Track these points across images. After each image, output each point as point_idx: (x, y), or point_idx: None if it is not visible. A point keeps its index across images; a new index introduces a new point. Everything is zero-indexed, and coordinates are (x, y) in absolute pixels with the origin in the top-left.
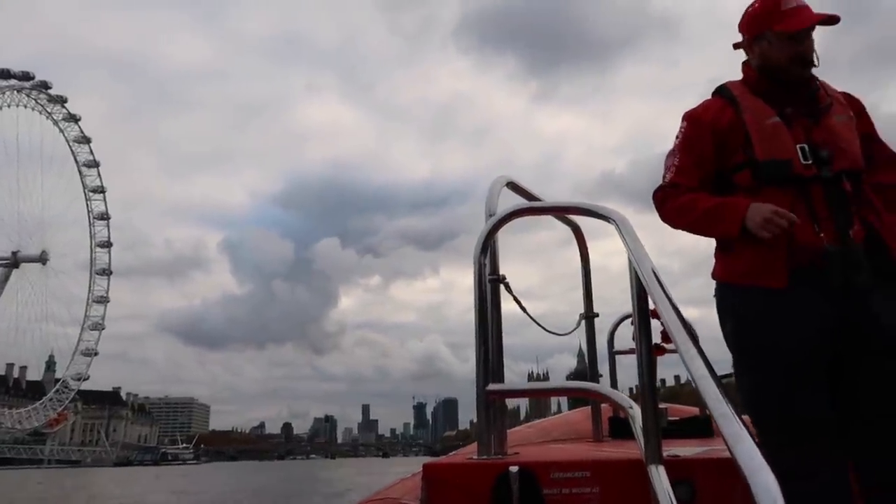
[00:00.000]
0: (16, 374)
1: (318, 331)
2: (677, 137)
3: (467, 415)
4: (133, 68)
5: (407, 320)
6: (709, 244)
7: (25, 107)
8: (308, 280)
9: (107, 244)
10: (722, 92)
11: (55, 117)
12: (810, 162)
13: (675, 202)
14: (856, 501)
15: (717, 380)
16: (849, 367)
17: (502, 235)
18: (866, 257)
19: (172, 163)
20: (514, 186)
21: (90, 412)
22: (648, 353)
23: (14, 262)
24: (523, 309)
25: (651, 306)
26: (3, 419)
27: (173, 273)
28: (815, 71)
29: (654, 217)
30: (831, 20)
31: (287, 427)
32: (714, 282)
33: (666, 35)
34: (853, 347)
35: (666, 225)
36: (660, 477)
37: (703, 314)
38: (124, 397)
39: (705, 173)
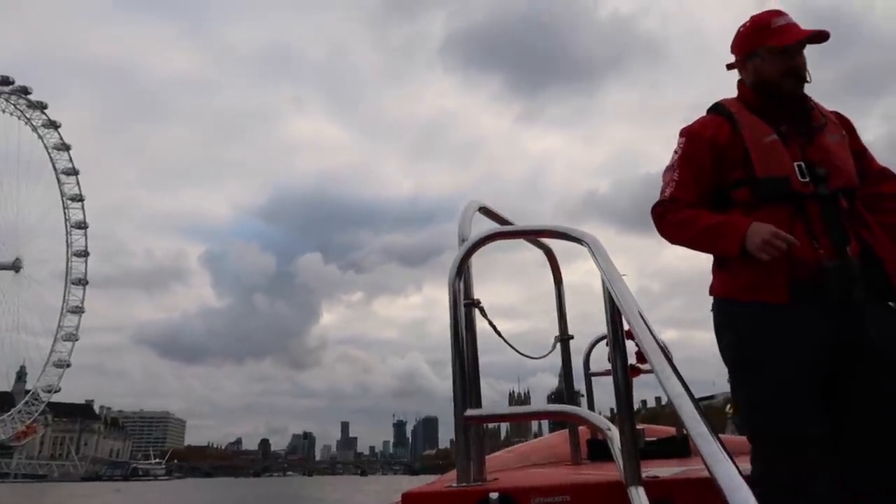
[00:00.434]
0: None
1: (298, 346)
2: (676, 153)
3: (447, 433)
4: (119, 78)
5: (389, 337)
6: (689, 266)
7: (3, 112)
8: (289, 295)
9: (83, 253)
10: (718, 109)
11: (34, 123)
12: (807, 179)
13: (675, 217)
14: None
15: (694, 399)
16: (842, 383)
17: (482, 254)
18: (862, 272)
19: (156, 173)
20: (486, 211)
21: (61, 425)
22: (624, 374)
23: None
24: (498, 333)
25: (626, 327)
26: None
27: (152, 285)
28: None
29: (636, 238)
30: (821, 36)
31: (264, 443)
32: (711, 298)
33: (650, 58)
34: (848, 363)
35: (664, 240)
36: (640, 498)
37: (683, 336)
38: (97, 410)
39: (704, 188)
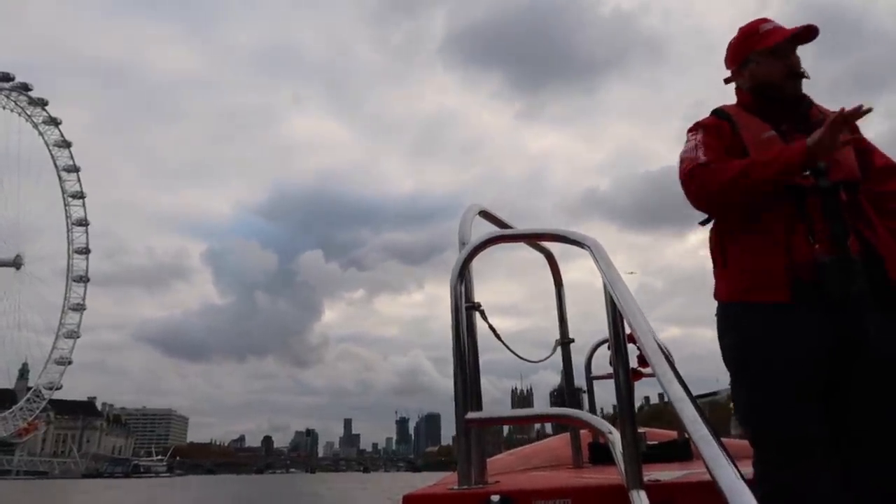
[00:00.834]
0: None
1: (300, 344)
2: (693, 139)
3: (450, 430)
4: (120, 77)
5: (390, 334)
6: (692, 264)
7: (4, 108)
8: (291, 292)
9: (85, 251)
10: (718, 113)
11: (35, 120)
12: (807, 173)
13: (722, 167)
14: None
15: (695, 402)
16: (843, 383)
17: (483, 252)
18: (862, 267)
19: (157, 172)
20: (486, 215)
21: (63, 422)
22: (626, 377)
23: None
24: (498, 337)
25: (627, 330)
26: None
27: (154, 283)
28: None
29: (637, 236)
30: (809, 31)
31: (267, 440)
32: (716, 302)
33: (651, 57)
34: (847, 363)
35: (664, 237)
36: (641, 502)
37: (686, 333)
38: (100, 408)
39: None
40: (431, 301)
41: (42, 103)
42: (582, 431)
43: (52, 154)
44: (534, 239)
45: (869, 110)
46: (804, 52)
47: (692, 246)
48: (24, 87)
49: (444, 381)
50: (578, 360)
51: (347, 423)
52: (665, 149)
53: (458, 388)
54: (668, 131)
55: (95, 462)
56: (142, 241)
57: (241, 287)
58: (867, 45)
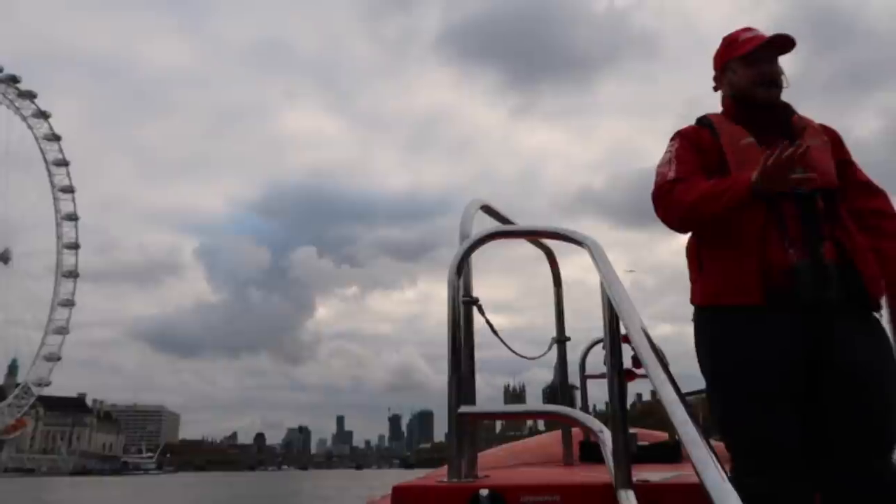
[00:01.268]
0: None
1: (293, 340)
2: (669, 151)
3: (442, 427)
4: (112, 71)
5: (384, 331)
6: (684, 262)
7: None
8: (284, 289)
9: (74, 246)
10: (701, 120)
11: (24, 113)
12: None
13: (685, 186)
14: None
15: (687, 405)
16: (817, 391)
17: (481, 249)
18: (837, 274)
19: (149, 167)
20: (488, 209)
21: (52, 419)
22: (619, 377)
23: None
24: (495, 332)
25: (623, 331)
26: None
27: (146, 279)
28: (792, 101)
29: (630, 233)
30: (781, 40)
31: (259, 437)
32: (693, 307)
33: (645, 52)
34: (821, 370)
35: (657, 235)
36: (629, 502)
37: (677, 330)
38: (90, 404)
39: (701, 175)
40: (425, 298)
41: (31, 96)
42: (573, 429)
43: (41, 148)
44: (533, 236)
45: (807, 149)
46: (797, 57)
47: (684, 243)
48: (13, 80)
49: (438, 378)
50: (573, 359)
51: (340, 420)
52: (658, 146)
53: (451, 383)
54: (662, 127)
55: (84, 459)
56: (134, 237)
57: (234, 283)
58: (860, 44)
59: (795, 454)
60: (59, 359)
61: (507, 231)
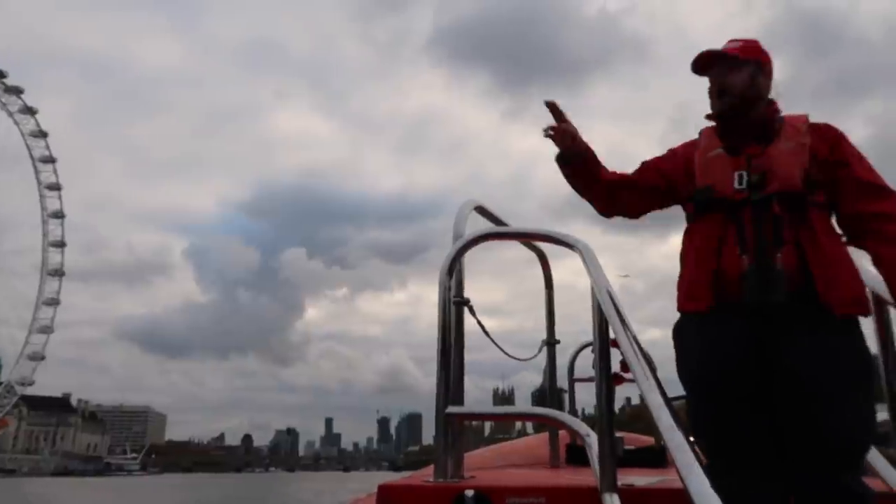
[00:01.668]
0: None
1: (282, 342)
2: None
3: (431, 430)
4: (103, 70)
5: (373, 333)
6: (673, 266)
7: None
8: (273, 290)
9: (60, 244)
10: (701, 132)
11: (10, 109)
12: (743, 186)
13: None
14: None
15: (673, 410)
16: (772, 394)
17: (472, 252)
18: (786, 280)
19: (139, 166)
20: (482, 210)
21: (36, 418)
22: (607, 381)
23: None
24: (486, 333)
25: (612, 335)
26: None
27: (135, 279)
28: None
29: (620, 238)
30: (700, 58)
31: (247, 439)
32: None
33: (636, 57)
34: (771, 374)
35: (648, 240)
36: None
37: (666, 335)
38: (75, 404)
39: (648, 174)
40: (415, 300)
41: (17, 91)
42: (560, 432)
43: (27, 144)
44: (525, 238)
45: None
46: (786, 63)
47: (673, 249)
48: None
49: (427, 381)
50: (562, 362)
51: (329, 423)
52: (649, 150)
53: (440, 383)
54: (653, 131)
55: (66, 460)
56: (123, 236)
57: (224, 284)
58: (850, 51)
59: (760, 454)
60: (43, 358)
61: (500, 232)
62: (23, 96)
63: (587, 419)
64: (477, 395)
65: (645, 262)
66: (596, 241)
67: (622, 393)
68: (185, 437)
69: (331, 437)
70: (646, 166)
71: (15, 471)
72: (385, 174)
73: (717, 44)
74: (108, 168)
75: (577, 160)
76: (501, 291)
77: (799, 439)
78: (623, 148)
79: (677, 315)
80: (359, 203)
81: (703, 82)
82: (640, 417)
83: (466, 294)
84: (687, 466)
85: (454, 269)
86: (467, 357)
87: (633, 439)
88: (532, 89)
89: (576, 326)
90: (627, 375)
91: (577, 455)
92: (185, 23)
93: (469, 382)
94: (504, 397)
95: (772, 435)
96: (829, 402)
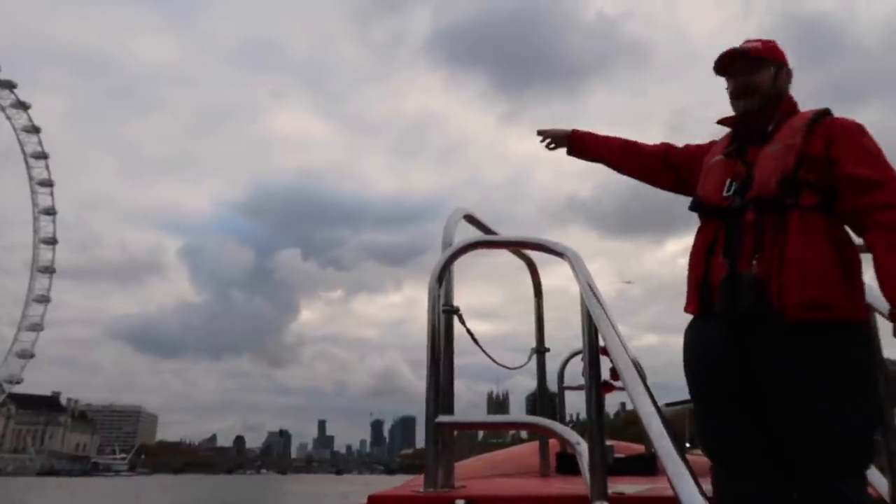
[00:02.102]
0: None
1: (276, 343)
2: None
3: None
4: (98, 67)
5: (368, 335)
6: (670, 272)
7: None
8: (268, 291)
9: (52, 241)
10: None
11: (2, 104)
12: (730, 193)
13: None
14: None
15: (664, 417)
16: (757, 398)
17: (467, 256)
18: (754, 288)
19: (134, 164)
20: (471, 219)
21: (25, 417)
22: (597, 389)
23: None
24: (475, 341)
25: (601, 343)
26: None
27: (128, 278)
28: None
29: (617, 242)
30: (724, 57)
31: (239, 440)
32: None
33: (635, 62)
34: (751, 379)
35: (643, 245)
36: None
37: (662, 340)
38: (64, 403)
39: (664, 154)
40: (410, 303)
41: (10, 86)
42: (551, 441)
43: (19, 139)
44: (514, 246)
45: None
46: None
47: (670, 254)
48: None
49: (421, 383)
50: (554, 368)
51: (322, 425)
52: None
53: (430, 392)
54: (650, 138)
55: (52, 459)
56: (116, 235)
57: (218, 284)
58: (847, 58)
59: (753, 454)
60: (32, 356)
61: (489, 241)
62: (16, 91)
63: (579, 426)
64: (471, 398)
65: (641, 268)
66: (592, 245)
67: (617, 398)
68: (176, 438)
69: (324, 440)
70: (659, 147)
71: (0, 470)
72: (381, 176)
73: (716, 49)
74: (102, 166)
75: (577, 145)
76: (497, 295)
77: (788, 445)
78: None
79: (675, 321)
80: (355, 205)
81: (701, 89)
82: (634, 423)
83: (459, 300)
84: (678, 474)
85: (443, 278)
86: (462, 361)
87: (624, 447)
88: (529, 93)
89: (569, 332)
90: (617, 383)
91: (567, 464)
92: (182, 20)
93: (463, 386)
94: (498, 401)
95: (765, 434)
96: (798, 410)
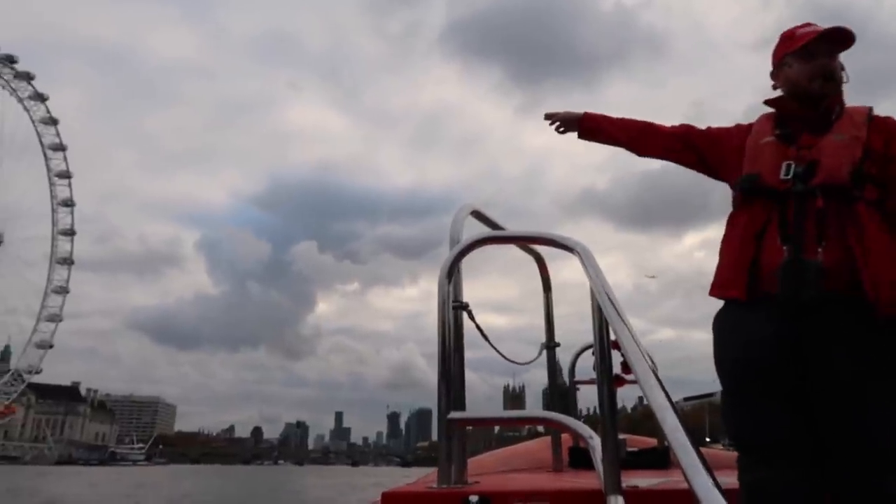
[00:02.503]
0: None
1: (293, 335)
2: None
3: None
4: (117, 60)
5: (384, 328)
6: (687, 266)
7: None
8: (285, 283)
9: (70, 232)
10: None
11: (20, 95)
12: (790, 176)
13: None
14: None
15: (677, 411)
16: (808, 390)
17: (481, 251)
18: (826, 276)
19: (151, 157)
20: (478, 215)
21: (45, 407)
22: (609, 383)
23: None
24: (485, 337)
25: (612, 337)
26: None
27: (146, 269)
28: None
29: (633, 235)
30: (837, 33)
31: (257, 431)
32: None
33: (652, 53)
34: (806, 369)
35: (660, 238)
36: None
37: (679, 335)
38: (84, 393)
39: (685, 135)
40: (427, 296)
41: (28, 77)
42: (563, 435)
43: (37, 131)
44: (523, 241)
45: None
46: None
47: (687, 248)
48: (10, 60)
49: (436, 377)
50: (567, 361)
51: (339, 416)
52: None
53: (441, 388)
54: None
55: (70, 448)
56: (135, 227)
57: (235, 276)
58: (870, 49)
59: (796, 453)
60: (51, 346)
61: (497, 237)
62: (34, 83)
63: (591, 420)
64: (487, 391)
65: (658, 262)
66: (608, 238)
67: (634, 392)
68: (194, 429)
69: (341, 431)
70: (679, 127)
71: (19, 458)
72: (398, 169)
73: (735, 40)
74: (121, 159)
75: (588, 127)
76: (513, 289)
77: (839, 441)
78: None
79: (692, 315)
80: (371, 198)
81: (719, 80)
82: (652, 417)
83: (474, 294)
84: (692, 466)
85: (452, 274)
86: (477, 354)
87: (637, 441)
88: (546, 84)
89: (585, 325)
90: (629, 377)
91: (580, 458)
92: (199, 14)
93: (479, 379)
94: (514, 395)
95: (810, 434)
96: (871, 404)
